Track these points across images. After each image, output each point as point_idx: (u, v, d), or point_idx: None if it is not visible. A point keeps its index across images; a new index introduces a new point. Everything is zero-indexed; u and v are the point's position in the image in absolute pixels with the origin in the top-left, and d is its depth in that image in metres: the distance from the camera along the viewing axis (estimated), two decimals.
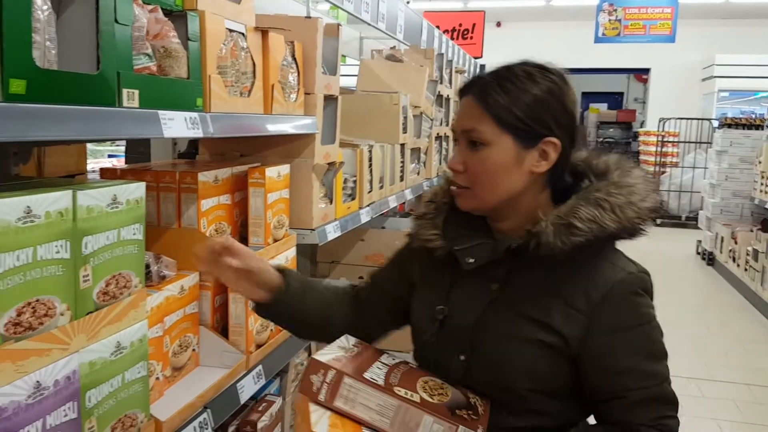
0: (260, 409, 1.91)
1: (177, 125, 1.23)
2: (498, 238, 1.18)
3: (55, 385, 0.98)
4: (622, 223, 1.10)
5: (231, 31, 1.51)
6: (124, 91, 1.10)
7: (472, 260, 1.16)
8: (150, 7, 1.24)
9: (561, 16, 11.53)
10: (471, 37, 9.47)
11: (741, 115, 9.00)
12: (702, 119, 10.47)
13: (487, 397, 1.15)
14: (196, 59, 1.36)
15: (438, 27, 4.68)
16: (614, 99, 15.46)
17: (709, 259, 7.43)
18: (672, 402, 1.12)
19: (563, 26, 11.75)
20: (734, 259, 6.52)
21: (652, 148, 10.58)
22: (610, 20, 10.24)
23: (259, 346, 1.71)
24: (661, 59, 11.58)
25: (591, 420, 1.20)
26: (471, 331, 1.16)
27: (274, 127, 1.72)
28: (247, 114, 1.59)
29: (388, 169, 2.78)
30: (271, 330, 1.78)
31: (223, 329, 1.65)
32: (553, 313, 1.11)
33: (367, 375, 1.08)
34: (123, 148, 4.20)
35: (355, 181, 2.38)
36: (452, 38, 8.61)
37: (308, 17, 1.98)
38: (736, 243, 6.47)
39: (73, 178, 1.70)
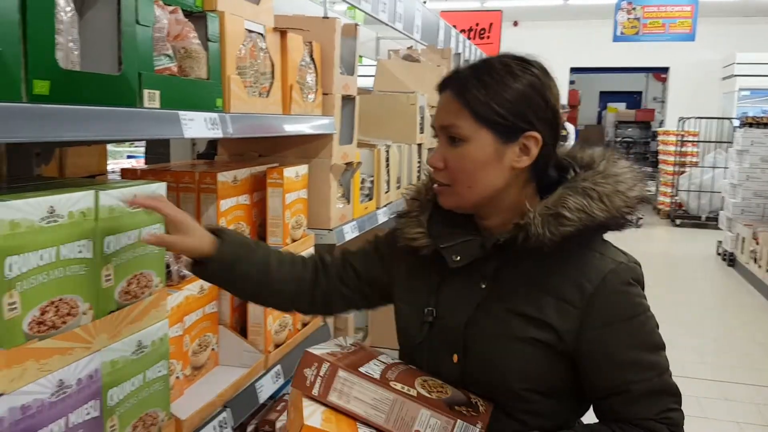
0: (279, 408, 1.92)
1: (197, 126, 1.24)
2: (485, 236, 1.15)
3: (77, 384, 0.99)
4: (610, 212, 1.08)
5: (250, 31, 1.52)
6: (145, 91, 1.11)
7: (458, 258, 1.13)
8: (170, 8, 1.24)
9: (579, 15, 11.41)
10: (488, 37, 9.46)
11: (762, 114, 8.86)
12: (722, 118, 10.34)
13: (489, 400, 1.12)
14: (216, 60, 1.37)
15: (455, 26, 4.66)
16: (633, 98, 15.36)
17: (730, 260, 7.33)
18: (675, 393, 1.10)
19: (581, 25, 11.65)
20: (755, 260, 6.41)
21: (672, 148, 10.46)
22: (628, 19, 10.15)
23: (277, 346, 1.72)
24: (681, 58, 11.47)
25: (586, 420, 1.17)
26: (462, 331, 1.14)
27: (292, 128, 1.72)
28: (266, 114, 1.59)
29: (405, 169, 2.78)
30: (290, 330, 1.79)
31: (241, 329, 1.66)
32: (545, 308, 1.09)
33: (362, 369, 1.05)
34: (142, 149, 4.24)
35: (372, 182, 2.39)
36: (469, 38, 8.58)
37: (326, 17, 1.99)
38: (757, 243, 6.37)
39: (94, 178, 1.72)
